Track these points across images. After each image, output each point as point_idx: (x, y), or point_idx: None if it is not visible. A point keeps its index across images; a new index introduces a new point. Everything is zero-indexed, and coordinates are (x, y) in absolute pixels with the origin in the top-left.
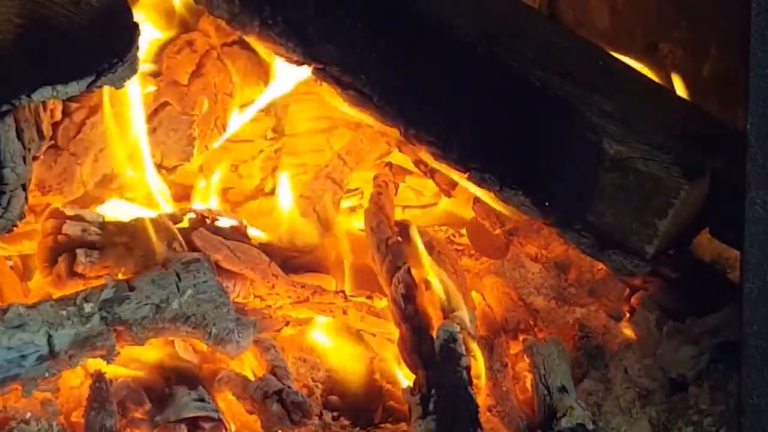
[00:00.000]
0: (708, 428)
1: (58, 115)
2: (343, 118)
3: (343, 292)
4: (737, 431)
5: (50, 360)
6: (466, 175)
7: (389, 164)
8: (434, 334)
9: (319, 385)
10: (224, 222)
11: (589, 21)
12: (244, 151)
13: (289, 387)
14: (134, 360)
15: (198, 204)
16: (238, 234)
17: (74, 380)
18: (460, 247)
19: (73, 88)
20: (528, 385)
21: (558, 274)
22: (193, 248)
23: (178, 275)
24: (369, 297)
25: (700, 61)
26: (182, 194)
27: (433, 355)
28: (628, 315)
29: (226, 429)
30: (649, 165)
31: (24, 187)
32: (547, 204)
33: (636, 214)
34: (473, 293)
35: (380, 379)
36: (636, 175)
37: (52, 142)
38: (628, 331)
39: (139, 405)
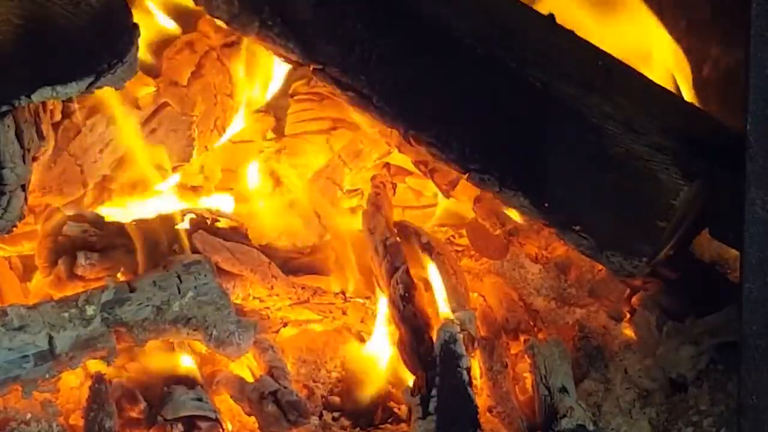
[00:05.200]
0: (708, 429)
1: (58, 116)
2: (343, 118)
3: (343, 293)
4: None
5: (51, 361)
6: (465, 176)
7: (387, 165)
8: (433, 335)
9: (320, 386)
10: (224, 223)
11: None
12: (243, 152)
13: (285, 387)
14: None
15: (198, 205)
16: (238, 235)
17: (74, 381)
18: (460, 248)
19: (73, 88)
20: (528, 385)
21: (558, 274)
22: (194, 249)
23: (179, 277)
24: (367, 297)
25: (700, 61)
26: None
27: (433, 356)
28: (628, 315)
29: (223, 429)
30: (648, 166)
31: (24, 188)
32: (546, 205)
33: (636, 215)
34: (473, 294)
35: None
36: (636, 176)
37: (52, 142)
38: (628, 332)
39: (135, 404)
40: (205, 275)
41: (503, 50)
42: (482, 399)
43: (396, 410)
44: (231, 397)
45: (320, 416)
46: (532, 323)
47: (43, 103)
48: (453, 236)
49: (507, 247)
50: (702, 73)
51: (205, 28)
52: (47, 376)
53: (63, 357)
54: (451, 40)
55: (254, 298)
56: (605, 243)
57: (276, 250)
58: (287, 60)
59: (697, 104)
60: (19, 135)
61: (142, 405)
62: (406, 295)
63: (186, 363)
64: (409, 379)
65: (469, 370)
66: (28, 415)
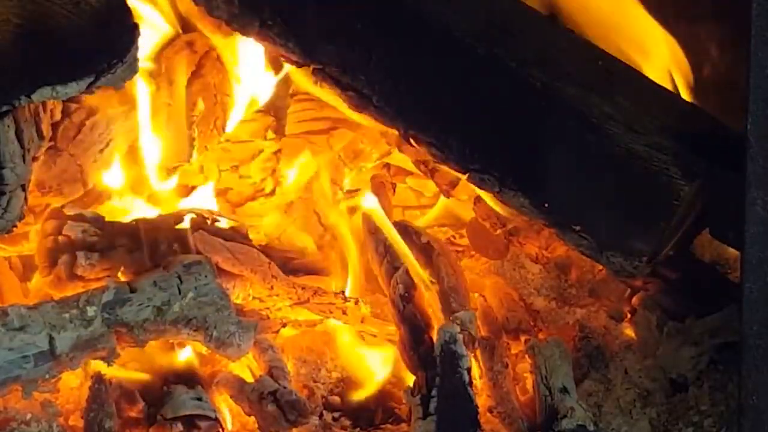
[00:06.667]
0: (708, 429)
1: (58, 116)
2: (343, 118)
3: (343, 293)
4: None
5: (51, 361)
6: (465, 176)
7: (387, 165)
8: (433, 335)
9: (320, 386)
10: (224, 223)
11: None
12: (243, 152)
13: (284, 387)
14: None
15: (198, 205)
16: (238, 235)
17: (74, 382)
18: (460, 248)
19: (73, 88)
20: (529, 385)
21: (558, 274)
22: (194, 250)
23: (179, 277)
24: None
25: (700, 61)
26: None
27: (433, 356)
28: (628, 316)
29: (222, 429)
30: (648, 166)
31: (23, 188)
32: (546, 205)
33: (636, 216)
34: (474, 294)
35: (381, 380)
36: (635, 176)
37: (52, 142)
38: (629, 332)
39: (133, 404)
40: (206, 276)
41: (503, 50)
42: (482, 399)
43: (396, 410)
44: (231, 397)
45: (320, 416)
46: (532, 323)
47: (43, 103)
48: (453, 236)
49: (507, 247)
50: (702, 73)
51: None
52: (47, 376)
53: (63, 357)
54: (451, 40)
55: (254, 298)
56: (605, 243)
57: (276, 251)
58: (287, 60)
59: (697, 104)
60: (19, 135)
61: (141, 405)
62: (406, 295)
63: (186, 362)
64: (409, 379)
65: (469, 370)
66: (28, 416)
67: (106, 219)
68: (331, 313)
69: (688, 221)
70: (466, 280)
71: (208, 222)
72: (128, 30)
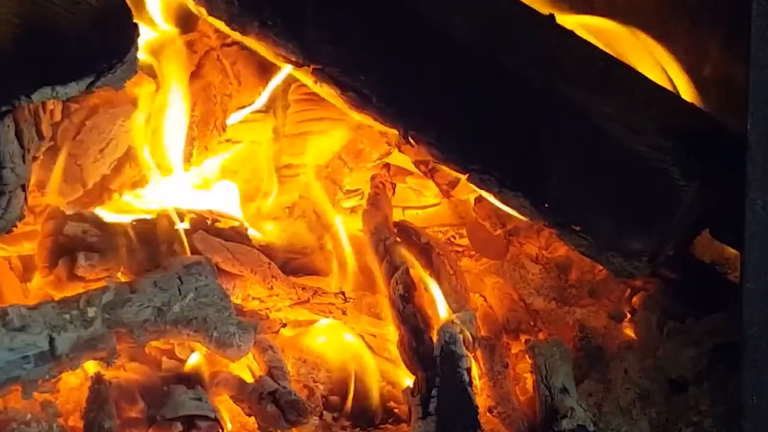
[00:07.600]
0: (708, 429)
1: (58, 116)
2: (343, 118)
3: (343, 293)
4: None
5: (51, 362)
6: (465, 177)
7: (387, 165)
8: (433, 335)
9: (320, 386)
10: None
11: None
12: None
13: (284, 387)
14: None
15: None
16: (238, 236)
17: (74, 382)
18: (460, 248)
19: (73, 88)
20: (529, 386)
21: (558, 274)
22: (194, 250)
23: (179, 278)
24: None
25: (700, 61)
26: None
27: (433, 356)
28: (629, 316)
29: (222, 429)
30: (648, 166)
31: (23, 188)
32: (546, 206)
33: (636, 216)
34: (474, 294)
35: (381, 380)
36: (635, 176)
37: (52, 142)
38: (629, 332)
39: (133, 404)
40: (206, 276)
41: (503, 50)
42: (482, 399)
43: (396, 410)
44: (231, 397)
45: (320, 416)
46: (532, 323)
47: (43, 103)
48: (453, 236)
49: (507, 247)
50: (702, 73)
51: (205, 28)
52: (47, 376)
53: (63, 358)
54: (451, 40)
55: (254, 298)
56: (605, 243)
57: (276, 251)
58: (287, 60)
59: (697, 104)
60: (19, 135)
61: (141, 405)
62: (406, 295)
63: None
64: (410, 379)
65: (469, 370)
66: (28, 416)
67: (106, 219)
68: (331, 313)
69: (688, 221)
70: (466, 280)
71: (208, 222)
72: (128, 30)
